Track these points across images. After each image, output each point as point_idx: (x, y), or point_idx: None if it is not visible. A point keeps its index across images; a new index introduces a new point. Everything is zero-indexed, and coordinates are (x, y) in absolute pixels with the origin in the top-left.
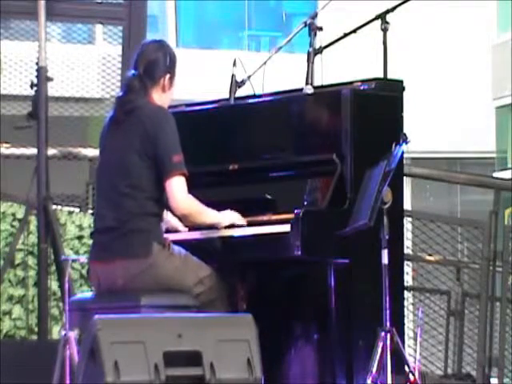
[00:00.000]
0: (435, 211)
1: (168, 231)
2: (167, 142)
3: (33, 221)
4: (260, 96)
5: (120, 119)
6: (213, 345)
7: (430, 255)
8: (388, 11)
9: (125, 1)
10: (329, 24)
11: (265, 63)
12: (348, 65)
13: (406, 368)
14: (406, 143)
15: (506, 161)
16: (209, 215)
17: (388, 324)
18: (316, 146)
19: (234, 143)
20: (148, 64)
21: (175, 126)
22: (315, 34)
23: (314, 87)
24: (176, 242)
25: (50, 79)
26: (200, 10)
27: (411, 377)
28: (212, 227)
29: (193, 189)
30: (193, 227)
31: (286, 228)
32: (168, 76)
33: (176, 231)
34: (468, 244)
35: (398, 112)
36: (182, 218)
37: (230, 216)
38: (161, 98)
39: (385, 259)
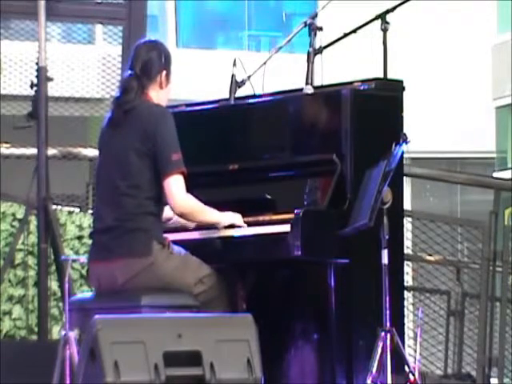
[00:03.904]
0: (435, 211)
1: (176, 230)
2: (166, 140)
3: (33, 221)
4: (260, 96)
5: (119, 120)
6: (213, 345)
7: (430, 255)
8: (388, 11)
9: (125, 1)
10: (329, 24)
11: (265, 63)
12: (348, 65)
13: (406, 368)
14: (406, 143)
15: (506, 161)
16: (208, 214)
17: (388, 324)
18: (316, 146)
19: (234, 143)
20: (143, 63)
21: (174, 123)
22: (315, 34)
23: (314, 87)
24: (176, 242)
25: (50, 79)
26: (200, 10)
27: (411, 377)
28: (212, 227)
29: (193, 189)
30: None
31: (286, 228)
32: (164, 72)
33: (185, 229)
34: (468, 244)
35: (398, 112)
36: (181, 217)
37: (230, 216)
38: (158, 95)
39: (385, 259)
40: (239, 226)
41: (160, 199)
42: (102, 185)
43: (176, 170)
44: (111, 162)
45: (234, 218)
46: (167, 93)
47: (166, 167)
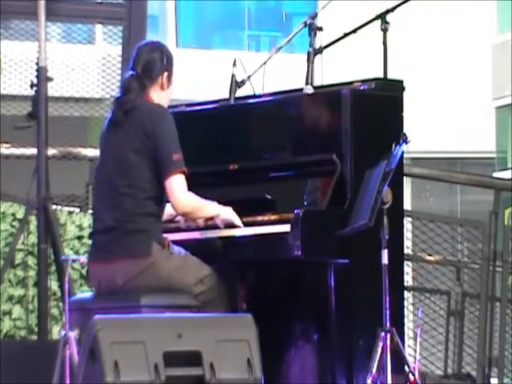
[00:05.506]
0: (435, 211)
1: (176, 230)
2: (166, 140)
3: (33, 221)
4: (260, 96)
5: (119, 120)
6: (213, 345)
7: (429, 255)
8: (388, 11)
9: (125, 1)
10: (329, 24)
11: (265, 63)
12: (348, 65)
13: (406, 368)
14: (406, 143)
15: (506, 161)
16: (209, 209)
17: (388, 324)
18: (316, 146)
19: (234, 143)
20: (145, 64)
21: (174, 124)
22: (315, 34)
23: (314, 87)
24: (176, 242)
25: (50, 79)
26: (200, 10)
27: (411, 377)
28: (212, 227)
29: (193, 189)
30: (192, 227)
31: (286, 228)
32: (166, 74)
33: (185, 229)
34: (468, 244)
35: (398, 112)
36: (182, 216)
37: (229, 211)
38: (159, 96)
39: (385, 259)
40: (237, 226)
41: (160, 199)
42: (101, 185)
43: (177, 170)
44: (111, 162)
45: (233, 213)
46: (168, 94)
47: (167, 167)
